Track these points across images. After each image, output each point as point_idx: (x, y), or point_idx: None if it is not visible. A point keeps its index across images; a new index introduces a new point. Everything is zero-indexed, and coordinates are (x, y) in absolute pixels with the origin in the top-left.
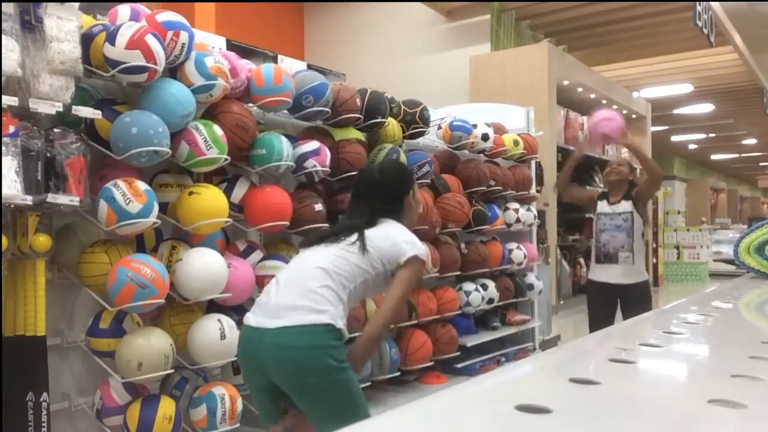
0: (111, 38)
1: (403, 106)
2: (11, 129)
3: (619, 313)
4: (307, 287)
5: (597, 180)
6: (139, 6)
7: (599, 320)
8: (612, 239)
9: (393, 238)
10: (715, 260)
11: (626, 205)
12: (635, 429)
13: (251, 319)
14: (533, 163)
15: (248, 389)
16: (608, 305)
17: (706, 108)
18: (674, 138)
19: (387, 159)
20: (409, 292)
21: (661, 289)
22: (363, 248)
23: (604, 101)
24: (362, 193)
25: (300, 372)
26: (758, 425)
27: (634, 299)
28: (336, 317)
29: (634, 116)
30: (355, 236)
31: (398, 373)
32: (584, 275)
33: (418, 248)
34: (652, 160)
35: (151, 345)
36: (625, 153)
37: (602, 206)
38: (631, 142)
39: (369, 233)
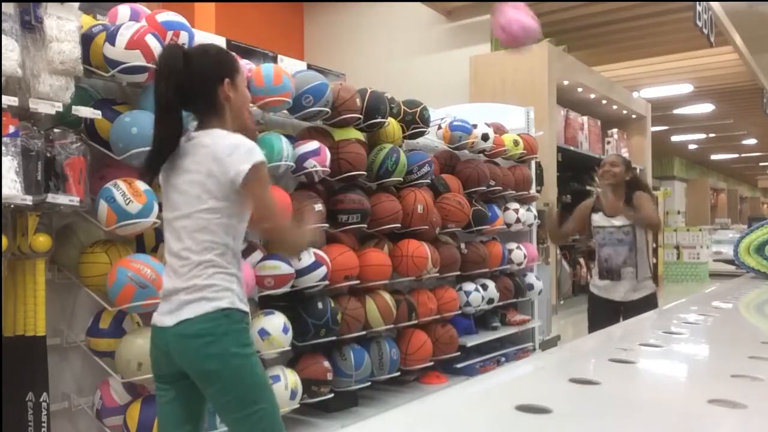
0: (111, 38)
1: (403, 106)
2: (11, 129)
3: None
4: None
5: (597, 180)
6: (139, 6)
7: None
8: (614, 254)
9: (219, 160)
10: (715, 260)
11: (626, 218)
12: (635, 429)
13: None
14: (533, 163)
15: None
16: (610, 319)
17: (706, 108)
18: (674, 138)
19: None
20: (269, 203)
21: (661, 289)
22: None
23: (604, 101)
24: (162, 81)
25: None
26: (758, 425)
27: (641, 313)
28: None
29: (634, 116)
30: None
31: (398, 373)
32: (584, 275)
33: (251, 159)
34: (648, 216)
35: None
36: (625, 151)
37: (598, 219)
38: (621, 208)
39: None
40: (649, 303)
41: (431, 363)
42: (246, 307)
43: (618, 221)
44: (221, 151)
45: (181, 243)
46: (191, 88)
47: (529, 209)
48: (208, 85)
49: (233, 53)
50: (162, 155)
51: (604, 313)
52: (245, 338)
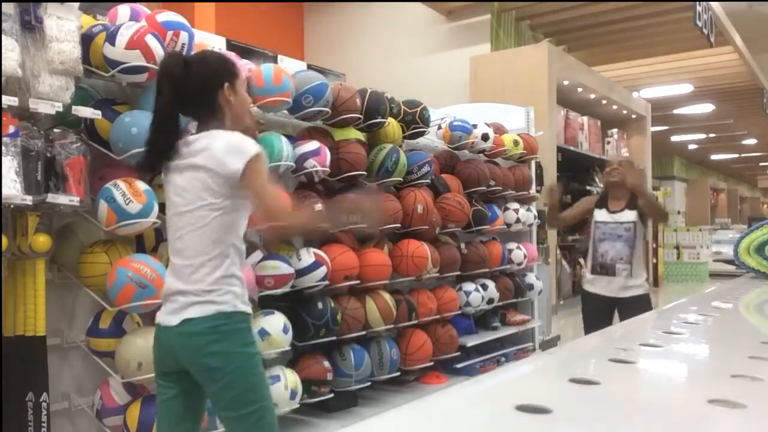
0: (111, 38)
1: (403, 106)
2: (11, 129)
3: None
4: None
5: (597, 180)
6: (139, 6)
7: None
8: (611, 249)
9: (216, 158)
10: (715, 260)
11: (630, 215)
12: (635, 429)
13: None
14: (533, 163)
15: None
16: (605, 317)
17: (706, 108)
18: (674, 138)
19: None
20: (270, 193)
21: (661, 289)
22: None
23: (604, 101)
24: (163, 88)
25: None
26: (758, 425)
27: (633, 313)
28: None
29: (634, 116)
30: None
31: (398, 373)
32: (585, 275)
33: (248, 152)
34: (657, 205)
35: (151, 345)
36: (625, 151)
37: (601, 215)
38: (634, 184)
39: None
40: (641, 303)
41: (431, 363)
42: (247, 308)
43: (621, 218)
44: (218, 149)
45: (182, 242)
46: (192, 94)
47: (529, 209)
48: (209, 90)
49: (233, 59)
50: (158, 157)
51: (598, 310)
52: (248, 337)
